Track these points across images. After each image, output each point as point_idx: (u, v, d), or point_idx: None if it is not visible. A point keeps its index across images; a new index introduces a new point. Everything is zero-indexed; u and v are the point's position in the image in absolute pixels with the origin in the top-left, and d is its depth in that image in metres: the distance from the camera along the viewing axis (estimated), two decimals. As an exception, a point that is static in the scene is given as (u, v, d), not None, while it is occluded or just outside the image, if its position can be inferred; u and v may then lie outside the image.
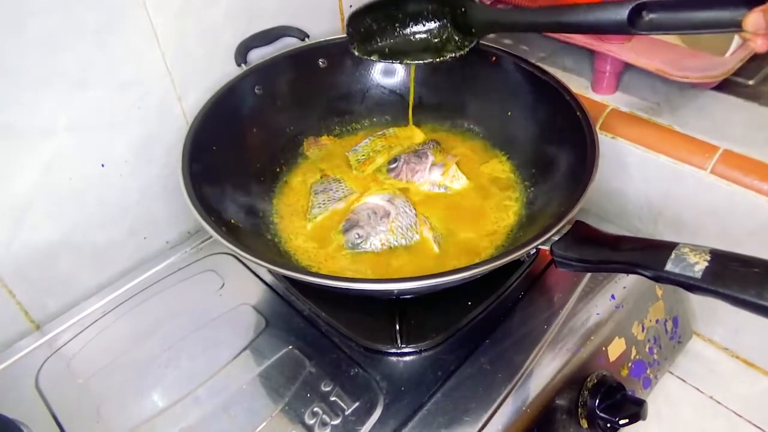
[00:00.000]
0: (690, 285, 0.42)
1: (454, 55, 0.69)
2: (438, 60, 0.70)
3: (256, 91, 0.77)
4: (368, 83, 0.84)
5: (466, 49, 0.69)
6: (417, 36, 0.72)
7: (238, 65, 0.76)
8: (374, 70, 0.84)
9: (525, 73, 0.73)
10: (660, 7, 0.51)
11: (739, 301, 0.40)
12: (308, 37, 0.81)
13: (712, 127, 0.71)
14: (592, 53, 0.78)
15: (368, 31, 0.72)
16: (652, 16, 0.51)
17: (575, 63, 0.86)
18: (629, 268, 0.46)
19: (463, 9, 0.67)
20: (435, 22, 0.71)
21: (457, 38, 0.70)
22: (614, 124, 0.75)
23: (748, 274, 0.40)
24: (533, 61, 0.73)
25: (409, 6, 0.71)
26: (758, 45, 0.46)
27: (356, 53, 0.73)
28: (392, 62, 0.75)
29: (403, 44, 0.72)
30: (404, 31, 0.72)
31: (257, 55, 0.78)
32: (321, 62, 0.81)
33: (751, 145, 0.67)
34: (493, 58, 0.76)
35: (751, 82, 0.77)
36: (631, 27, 0.52)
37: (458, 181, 0.74)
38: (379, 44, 0.72)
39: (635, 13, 0.52)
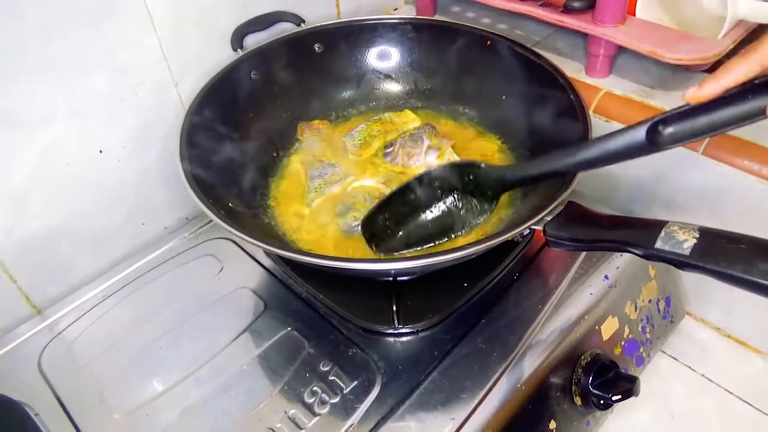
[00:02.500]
0: (679, 262, 0.43)
1: (478, 222, 0.65)
2: (463, 233, 0.65)
3: (252, 76, 0.77)
4: (364, 68, 0.85)
5: (488, 213, 0.64)
6: (434, 218, 0.67)
7: (234, 50, 0.76)
8: (369, 55, 0.85)
9: (519, 57, 0.73)
10: (676, 119, 0.48)
11: (727, 277, 0.41)
12: (304, 22, 0.81)
13: (704, 108, 0.71)
14: (585, 37, 0.78)
15: (384, 231, 0.66)
16: (670, 130, 0.48)
17: (569, 47, 0.86)
18: (620, 247, 0.47)
19: (470, 176, 0.64)
20: (446, 201, 0.66)
21: (476, 205, 0.65)
22: (608, 107, 0.76)
23: (736, 250, 0.41)
24: (527, 45, 0.74)
25: (413, 196, 0.66)
26: None
27: (379, 254, 0.65)
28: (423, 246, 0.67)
29: (423, 229, 0.67)
30: (420, 219, 0.67)
31: (253, 41, 0.79)
32: (317, 47, 0.82)
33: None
34: (488, 42, 0.76)
35: (743, 64, 0.77)
36: (653, 146, 0.49)
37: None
38: (399, 236, 0.66)
39: (653, 132, 0.49)
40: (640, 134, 0.49)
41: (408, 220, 0.66)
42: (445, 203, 0.66)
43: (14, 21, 0.57)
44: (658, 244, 0.44)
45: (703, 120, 0.47)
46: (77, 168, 0.68)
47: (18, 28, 0.57)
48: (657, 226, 0.45)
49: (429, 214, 0.67)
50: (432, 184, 0.66)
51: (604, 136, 0.52)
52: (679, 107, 0.47)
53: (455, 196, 0.66)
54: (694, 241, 0.42)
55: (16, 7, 0.57)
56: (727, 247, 0.41)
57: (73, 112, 0.65)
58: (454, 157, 0.75)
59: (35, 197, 0.66)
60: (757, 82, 0.43)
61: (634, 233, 0.46)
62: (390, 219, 0.66)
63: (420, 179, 0.66)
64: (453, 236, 0.65)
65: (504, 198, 0.69)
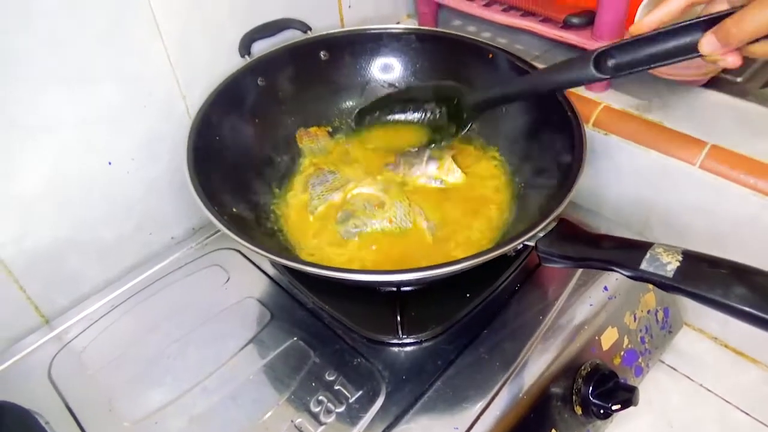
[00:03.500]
0: (663, 284, 0.44)
1: (447, 142, 0.77)
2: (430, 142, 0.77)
3: (258, 82, 0.78)
4: (368, 76, 0.86)
5: (453, 138, 0.75)
6: (413, 121, 0.80)
7: (242, 56, 0.78)
8: (374, 64, 0.86)
9: (520, 71, 0.75)
10: (618, 51, 0.54)
11: (707, 300, 0.42)
12: (310, 29, 0.83)
13: (701, 123, 0.73)
14: (584, 52, 0.80)
15: (370, 118, 0.83)
16: (614, 61, 0.54)
17: (569, 61, 0.88)
18: (607, 266, 0.48)
19: (456, 101, 0.74)
20: (429, 113, 0.78)
21: (450, 129, 0.75)
22: (606, 120, 0.77)
23: (716, 274, 0.42)
24: (527, 59, 0.75)
25: (402, 100, 0.80)
26: (729, 62, 0.47)
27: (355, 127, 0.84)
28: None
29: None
30: (400, 117, 0.80)
31: (260, 48, 0.80)
32: (323, 55, 0.83)
33: (739, 141, 0.69)
34: (489, 55, 0.78)
35: (739, 80, 0.79)
36: (600, 74, 0.55)
37: (453, 175, 0.76)
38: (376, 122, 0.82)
39: (600, 62, 0.55)
40: (587, 66, 0.56)
41: (391, 109, 0.81)
42: (426, 115, 0.78)
43: (23, 31, 0.58)
44: (643, 266, 0.45)
45: (643, 52, 0.52)
46: (86, 179, 0.69)
47: (27, 39, 0.58)
48: (643, 247, 0.46)
49: (408, 117, 0.79)
50: (420, 96, 0.79)
51: (558, 65, 0.60)
52: (622, 39, 0.53)
53: (438, 113, 0.77)
54: (677, 263, 0.44)
55: (25, 17, 0.57)
56: (708, 271, 0.43)
57: (81, 122, 0.66)
58: (454, 169, 0.76)
59: (45, 207, 0.67)
60: (689, 22, 0.49)
61: (621, 254, 0.48)
62: (376, 111, 0.81)
63: (409, 89, 0.82)
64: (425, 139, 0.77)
65: (503, 210, 0.72)
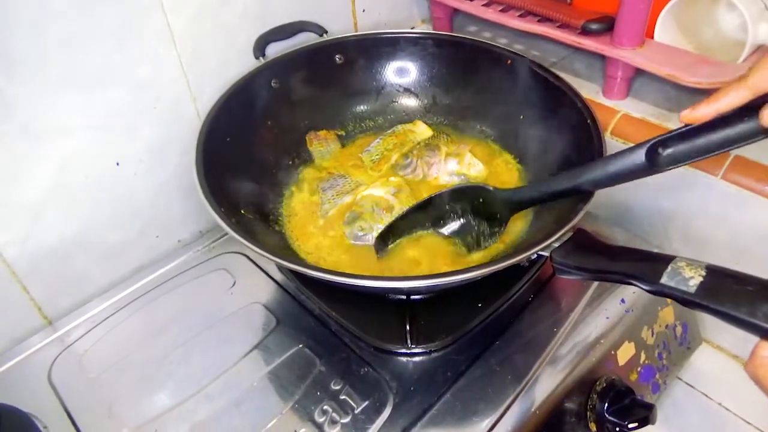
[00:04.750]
0: (684, 299, 0.42)
1: (487, 244, 0.66)
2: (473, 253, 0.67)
3: (272, 84, 0.78)
4: (383, 81, 0.85)
5: (497, 236, 0.65)
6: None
7: (257, 58, 0.77)
8: (389, 68, 0.85)
9: (538, 78, 0.73)
10: (674, 141, 0.49)
11: (731, 318, 0.40)
12: (326, 32, 0.82)
13: (723, 133, 0.71)
14: (603, 58, 0.78)
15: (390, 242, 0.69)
16: (669, 151, 0.50)
17: (586, 68, 0.86)
18: (626, 279, 0.46)
19: (481, 200, 0.66)
20: (456, 222, 0.68)
21: (486, 227, 0.66)
22: (625, 129, 0.75)
23: (742, 291, 0.40)
24: (545, 66, 0.74)
25: (424, 216, 0.69)
26: None
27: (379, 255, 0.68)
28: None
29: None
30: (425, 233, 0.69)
31: (275, 50, 0.79)
32: (338, 58, 0.82)
33: (762, 152, 0.67)
34: (508, 61, 0.76)
35: (762, 89, 0.77)
36: (653, 167, 0.50)
37: (475, 168, 0.75)
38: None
39: (653, 153, 0.50)
40: (639, 156, 0.51)
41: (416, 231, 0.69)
42: (456, 223, 0.68)
43: (36, 34, 0.58)
44: (664, 280, 0.43)
45: (700, 141, 0.48)
46: (94, 180, 0.68)
47: (39, 42, 0.58)
48: (664, 260, 0.44)
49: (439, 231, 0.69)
50: (442, 206, 0.68)
51: (606, 158, 0.54)
52: (677, 129, 0.49)
53: (466, 217, 0.68)
54: (701, 279, 0.42)
55: (37, 21, 0.57)
56: (733, 288, 0.40)
57: (91, 125, 0.65)
58: (475, 162, 0.75)
59: (51, 209, 0.66)
60: (749, 105, 0.44)
61: (640, 266, 0.45)
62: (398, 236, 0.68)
63: (430, 200, 0.67)
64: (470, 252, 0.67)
65: (518, 217, 0.70)
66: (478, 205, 0.66)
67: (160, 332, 0.65)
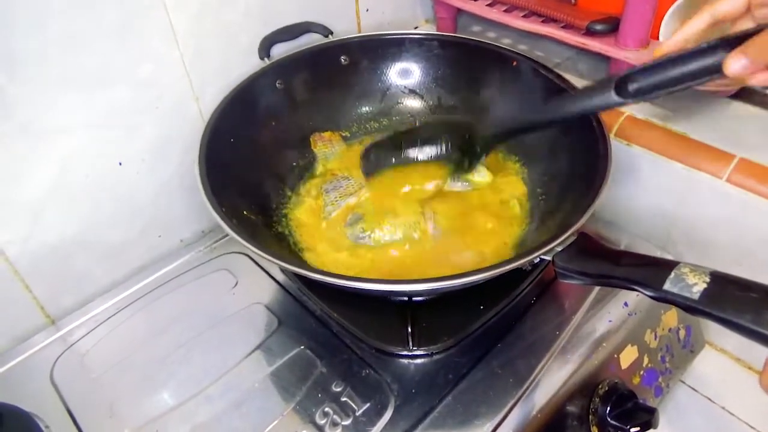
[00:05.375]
0: (687, 306, 0.42)
1: (460, 176, 0.73)
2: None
3: (277, 85, 0.77)
4: (388, 82, 0.85)
5: (471, 171, 0.72)
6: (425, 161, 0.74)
7: (261, 59, 0.77)
8: (394, 69, 0.85)
9: (543, 79, 0.73)
10: (640, 74, 0.52)
11: (735, 326, 0.39)
12: (332, 33, 0.82)
13: (728, 135, 0.70)
14: (608, 59, 0.78)
15: (377, 161, 0.75)
16: (636, 85, 0.52)
17: (590, 69, 0.86)
18: (628, 285, 0.46)
19: (467, 135, 0.70)
20: (440, 148, 0.73)
21: (463, 163, 0.72)
22: (629, 131, 0.75)
23: (746, 298, 0.40)
24: (549, 66, 0.73)
25: (412, 137, 0.74)
26: (759, 81, 0.45)
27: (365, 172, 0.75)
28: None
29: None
30: (410, 155, 0.74)
31: (279, 51, 0.79)
32: (343, 59, 0.82)
33: (768, 155, 0.66)
34: (514, 62, 0.76)
35: (768, 91, 0.77)
36: (621, 98, 0.54)
37: (479, 174, 0.74)
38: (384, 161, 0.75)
39: (621, 86, 0.53)
40: (609, 92, 0.54)
41: (401, 152, 0.74)
42: (437, 151, 0.73)
43: (37, 32, 0.57)
44: (667, 286, 0.43)
45: (666, 74, 0.50)
46: (96, 179, 0.68)
47: (41, 40, 0.58)
48: (667, 266, 0.44)
49: (419, 156, 0.73)
50: (428, 132, 0.74)
51: (578, 92, 0.58)
52: (643, 64, 0.52)
53: (449, 146, 0.72)
54: (704, 285, 0.41)
55: (39, 19, 0.57)
56: (737, 295, 0.40)
57: (93, 123, 0.65)
58: (480, 168, 0.74)
59: (53, 207, 0.66)
60: (713, 42, 0.47)
61: (643, 272, 0.45)
62: (386, 151, 0.75)
63: (417, 129, 0.77)
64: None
65: (522, 220, 0.70)
66: (461, 136, 0.71)
67: (162, 332, 0.65)
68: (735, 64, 0.44)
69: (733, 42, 0.45)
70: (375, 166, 0.74)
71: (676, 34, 0.51)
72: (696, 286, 0.42)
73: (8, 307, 0.67)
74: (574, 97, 0.58)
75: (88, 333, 0.67)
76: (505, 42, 0.94)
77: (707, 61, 0.47)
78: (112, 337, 0.66)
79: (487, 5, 0.87)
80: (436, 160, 0.72)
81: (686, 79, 0.49)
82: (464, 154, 0.71)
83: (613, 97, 0.53)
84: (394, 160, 0.74)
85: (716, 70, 0.46)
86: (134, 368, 0.62)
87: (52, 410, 0.59)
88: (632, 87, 0.52)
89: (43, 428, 0.56)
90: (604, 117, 0.64)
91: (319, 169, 0.80)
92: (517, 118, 0.66)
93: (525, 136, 0.71)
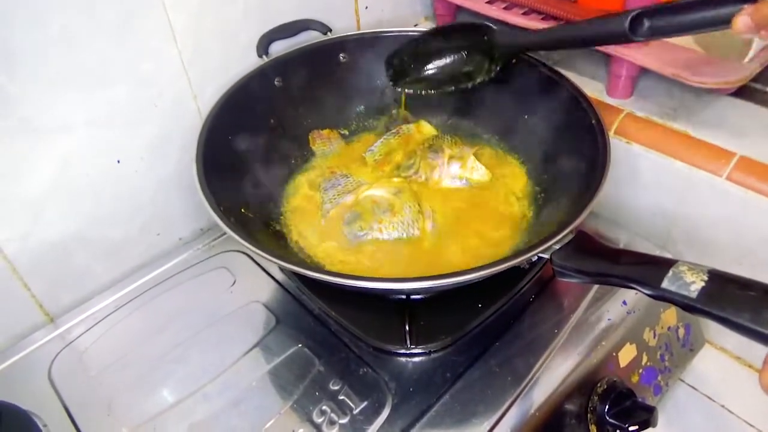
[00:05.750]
0: (685, 304, 0.42)
1: (483, 79, 0.75)
2: (469, 86, 0.76)
3: (276, 82, 0.77)
4: (386, 80, 0.84)
5: (493, 74, 0.74)
6: (447, 66, 0.78)
7: (260, 56, 0.77)
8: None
9: (542, 77, 0.73)
10: (659, 12, 0.54)
11: (733, 325, 0.39)
12: (330, 31, 0.82)
13: (728, 133, 0.70)
14: (608, 57, 0.77)
15: (402, 69, 0.79)
16: (651, 22, 0.54)
17: (590, 66, 0.85)
18: (626, 283, 0.46)
19: (485, 36, 0.74)
20: (461, 54, 0.77)
21: (484, 65, 0.75)
22: (629, 129, 0.75)
23: (745, 297, 0.40)
24: (548, 63, 0.73)
25: (433, 44, 0.78)
26: (763, 36, 0.48)
27: (396, 89, 0.81)
28: (430, 92, 0.79)
29: (437, 72, 0.79)
30: (434, 65, 0.78)
31: (277, 48, 0.79)
32: (341, 57, 0.82)
33: (768, 152, 0.66)
34: (514, 60, 0.76)
35: (769, 89, 0.76)
36: (633, 35, 0.55)
37: (478, 172, 0.74)
38: (413, 77, 0.79)
39: (636, 22, 0.55)
40: (623, 22, 0.56)
41: (422, 65, 0.78)
42: (458, 56, 0.77)
43: (36, 30, 0.57)
44: (665, 284, 0.43)
45: (682, 17, 0.53)
46: (95, 177, 0.68)
47: (40, 38, 0.58)
48: (666, 264, 0.44)
49: (444, 60, 0.78)
50: (450, 36, 0.77)
51: (593, 19, 0.60)
52: (661, 3, 0.54)
53: (468, 50, 0.76)
54: (702, 284, 0.41)
55: (38, 17, 0.57)
56: (736, 294, 0.40)
57: (92, 121, 0.65)
58: (478, 166, 0.74)
59: (52, 205, 0.66)
60: None
61: (641, 270, 0.45)
62: (406, 61, 0.78)
63: (439, 30, 0.78)
64: (462, 86, 0.76)
65: (520, 218, 0.69)
66: (483, 42, 0.74)
67: (160, 330, 0.65)
68: (741, 23, 0.48)
69: None
70: (401, 75, 0.79)
71: None
72: (694, 284, 0.41)
73: (7, 304, 0.67)
74: (590, 24, 0.60)
75: (86, 331, 0.67)
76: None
77: (720, 11, 0.50)
78: (111, 335, 0.66)
79: (486, 2, 0.87)
80: (458, 65, 0.77)
81: (698, 26, 0.52)
82: (485, 55, 0.74)
83: (626, 30, 0.55)
84: (419, 73, 0.78)
85: (726, 21, 0.49)
86: (132, 366, 0.62)
87: (50, 408, 0.59)
88: (646, 24, 0.54)
89: (41, 426, 0.56)
90: (604, 115, 0.64)
91: (318, 166, 0.79)
92: (534, 35, 0.70)
93: (527, 129, 0.73)
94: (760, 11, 0.46)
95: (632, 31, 0.55)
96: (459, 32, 0.77)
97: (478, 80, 0.75)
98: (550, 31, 0.68)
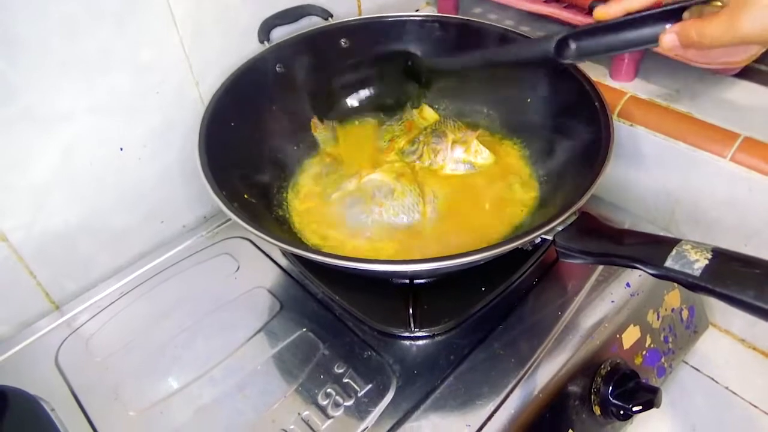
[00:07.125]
0: (688, 283, 0.42)
1: (414, 103, 0.82)
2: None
3: (277, 69, 0.77)
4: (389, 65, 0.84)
5: (413, 94, 0.80)
6: (372, 97, 0.84)
7: (261, 42, 0.77)
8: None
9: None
10: (584, 35, 0.55)
11: (737, 302, 0.39)
12: (332, 16, 0.81)
13: (732, 114, 0.69)
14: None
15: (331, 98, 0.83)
16: (577, 44, 0.56)
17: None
18: (629, 263, 0.46)
19: (410, 62, 0.80)
20: (387, 77, 0.82)
21: (413, 91, 0.82)
22: (632, 111, 0.74)
23: (749, 274, 0.40)
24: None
25: (360, 70, 0.82)
26: (691, 56, 0.51)
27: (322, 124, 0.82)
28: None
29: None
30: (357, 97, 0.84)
31: (280, 34, 0.79)
32: (343, 42, 0.82)
33: (773, 133, 0.66)
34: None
35: (773, 70, 0.76)
36: (559, 57, 0.57)
37: (481, 155, 0.74)
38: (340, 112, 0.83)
39: (563, 45, 0.57)
40: (549, 46, 0.57)
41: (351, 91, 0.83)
42: (384, 79, 0.82)
43: (38, 19, 0.57)
44: (668, 263, 0.43)
45: (607, 39, 0.54)
46: (98, 166, 0.68)
47: (41, 26, 0.58)
48: (669, 243, 0.44)
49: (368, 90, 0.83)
50: (377, 64, 0.81)
51: (519, 42, 0.64)
52: (586, 25, 0.55)
53: (395, 76, 0.81)
54: (706, 261, 0.41)
55: (39, 5, 0.57)
56: (740, 271, 0.40)
57: (94, 109, 0.65)
58: (481, 149, 0.74)
59: (56, 194, 0.66)
60: (654, 12, 0.50)
61: (645, 250, 0.45)
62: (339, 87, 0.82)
63: (363, 60, 0.81)
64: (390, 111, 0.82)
65: (524, 201, 0.69)
66: (407, 67, 0.80)
67: (165, 316, 0.66)
68: (668, 41, 0.49)
69: (670, 15, 0.49)
70: (334, 112, 0.82)
71: (619, 2, 0.53)
72: (698, 262, 0.41)
73: (13, 292, 0.67)
74: (517, 45, 0.63)
75: (92, 318, 0.67)
76: (508, 23, 0.93)
77: (643, 32, 0.51)
78: (116, 322, 0.66)
79: (488, -14, 0.86)
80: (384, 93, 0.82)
81: (625, 46, 0.53)
82: (411, 78, 0.80)
83: (550, 52, 0.57)
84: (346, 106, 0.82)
85: (653, 41, 0.51)
86: (138, 352, 0.63)
87: (58, 394, 0.59)
88: (572, 47, 0.56)
89: (49, 411, 0.57)
90: (607, 97, 0.64)
91: (319, 152, 0.79)
92: (459, 61, 0.73)
93: (529, 112, 0.73)
94: (685, 31, 0.47)
95: (558, 54, 0.57)
96: (383, 60, 0.81)
97: (409, 104, 0.81)
98: (474, 54, 0.72)
